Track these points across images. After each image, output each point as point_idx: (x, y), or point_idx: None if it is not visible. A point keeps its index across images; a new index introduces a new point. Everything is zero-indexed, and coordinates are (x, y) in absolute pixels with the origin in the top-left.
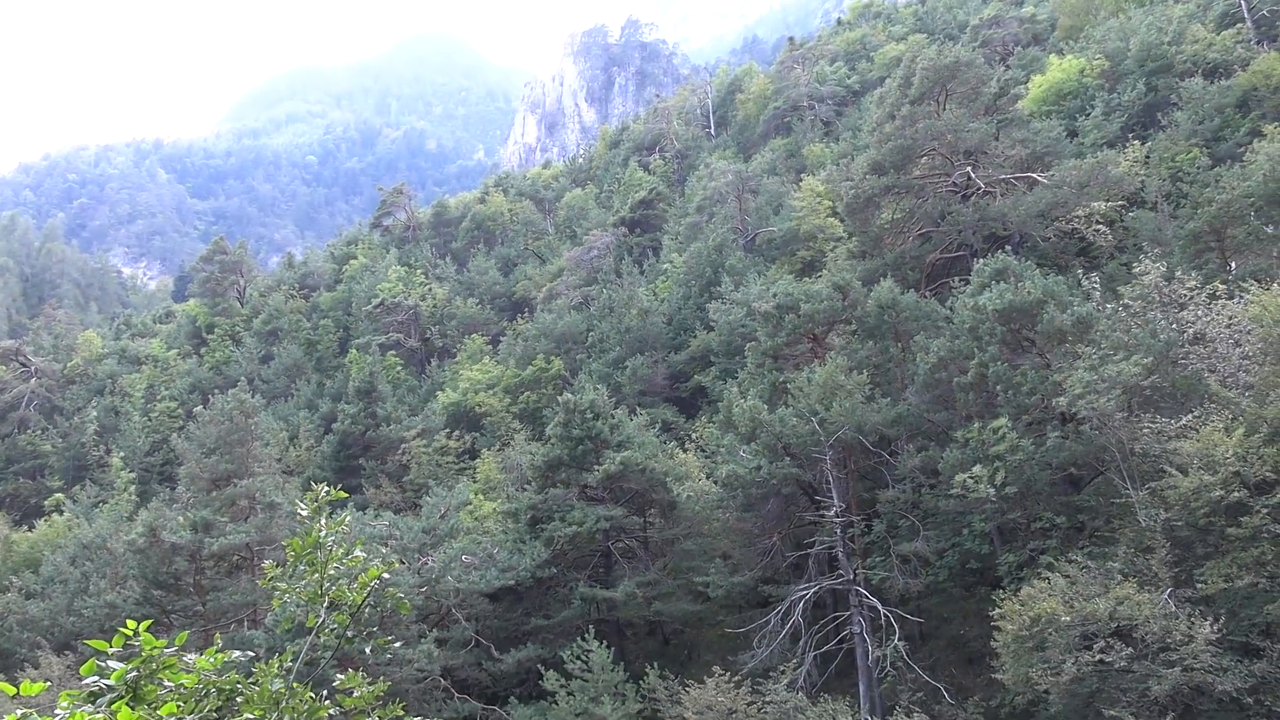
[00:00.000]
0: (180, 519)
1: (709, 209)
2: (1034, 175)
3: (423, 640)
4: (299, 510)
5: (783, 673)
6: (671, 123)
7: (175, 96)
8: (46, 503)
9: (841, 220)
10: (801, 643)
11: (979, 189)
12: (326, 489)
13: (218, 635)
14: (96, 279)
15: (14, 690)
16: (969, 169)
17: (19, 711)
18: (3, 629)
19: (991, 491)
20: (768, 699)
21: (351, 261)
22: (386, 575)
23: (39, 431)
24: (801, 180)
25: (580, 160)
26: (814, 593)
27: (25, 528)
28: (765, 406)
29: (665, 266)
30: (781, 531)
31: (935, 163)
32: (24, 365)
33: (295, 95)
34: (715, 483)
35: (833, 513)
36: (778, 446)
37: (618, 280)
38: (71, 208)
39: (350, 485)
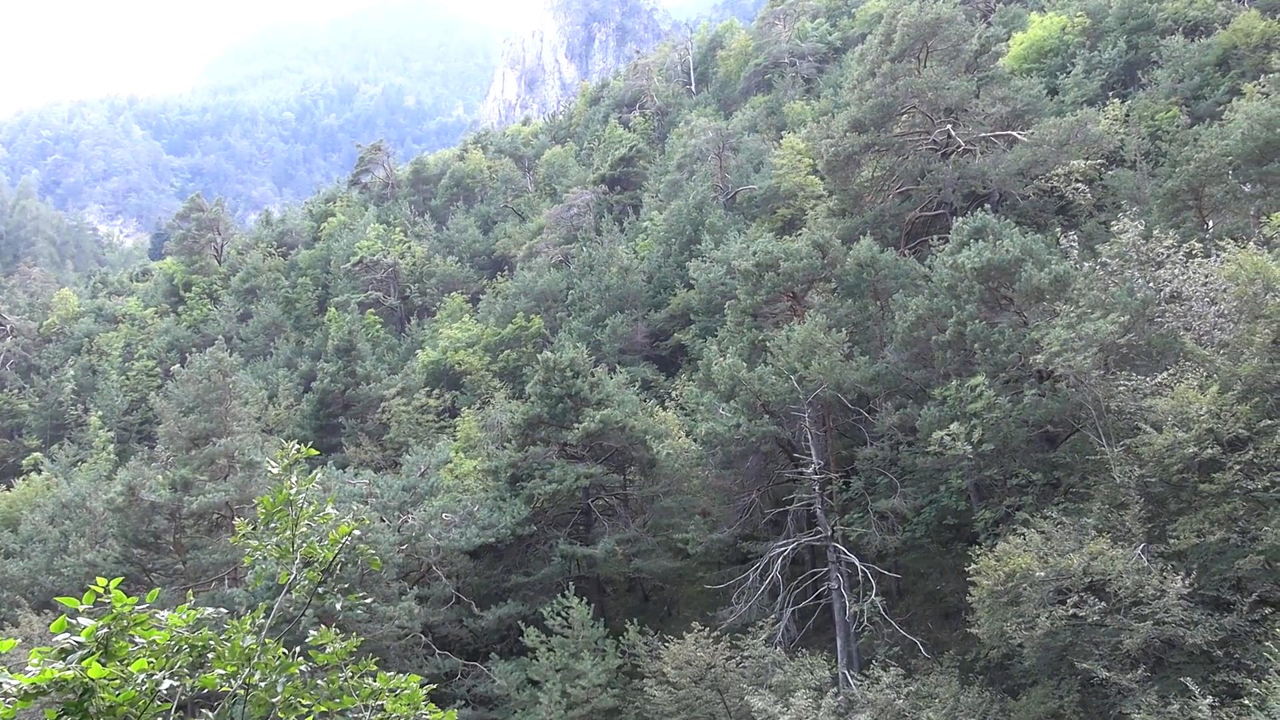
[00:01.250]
0: (159, 478)
1: (689, 166)
2: (1014, 133)
3: (403, 598)
4: (269, 467)
5: (761, 628)
6: (652, 79)
7: (150, 52)
8: (24, 462)
9: (821, 178)
10: (780, 598)
11: (959, 147)
12: (297, 446)
13: (190, 592)
14: (72, 236)
15: None
16: (949, 127)
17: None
18: None
19: (969, 449)
20: (746, 654)
21: (330, 219)
22: (357, 532)
23: (16, 390)
24: (782, 138)
25: (560, 117)
26: (792, 549)
27: (3, 487)
28: (745, 364)
29: (645, 224)
30: (760, 489)
31: (915, 120)
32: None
33: (272, 51)
34: (695, 440)
35: (811, 470)
36: (757, 404)
37: (598, 238)
38: (45, 164)
39: (330, 444)
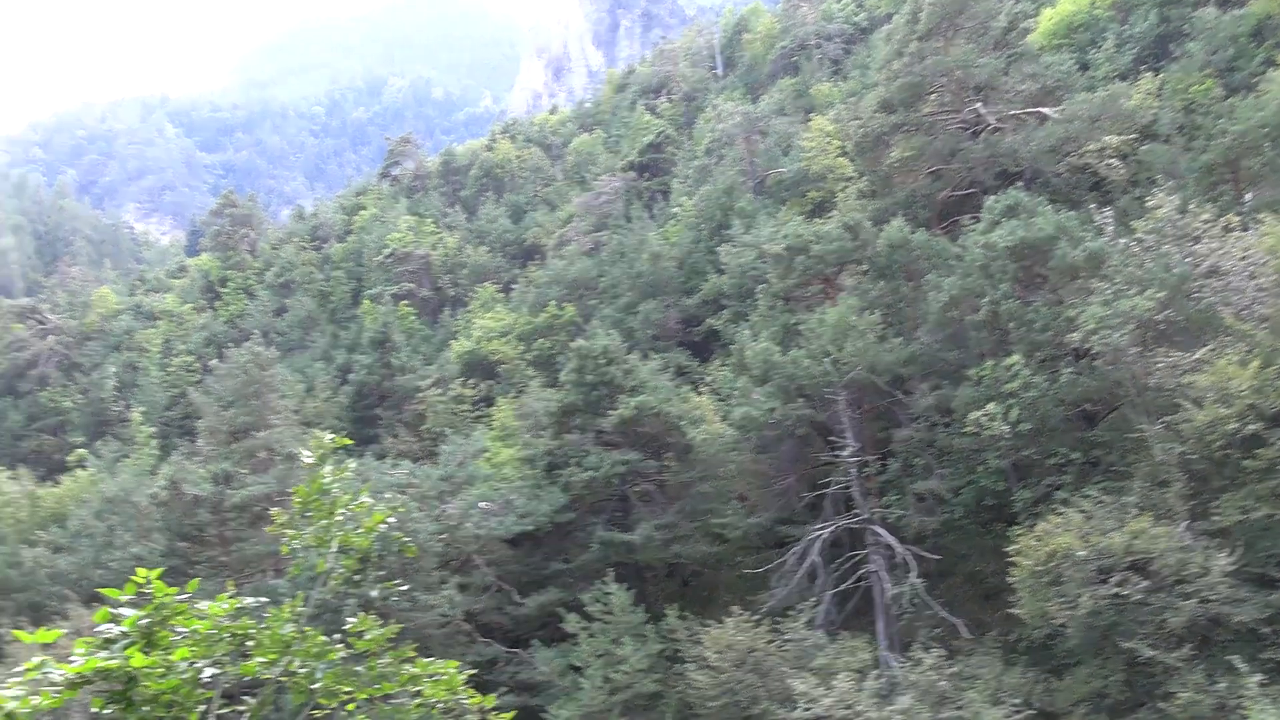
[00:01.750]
0: (201, 471)
1: (718, 151)
2: (1044, 110)
3: (444, 586)
4: (304, 458)
5: (801, 611)
6: (678, 65)
7: (182, 51)
8: (69, 458)
9: (851, 160)
10: (819, 582)
11: (989, 125)
12: (330, 436)
13: (230, 583)
14: (109, 235)
15: (30, 637)
16: (979, 105)
17: (37, 658)
18: (33, 582)
19: (1006, 429)
20: (786, 637)
21: (361, 212)
22: (391, 520)
23: (59, 388)
24: (810, 120)
25: (587, 105)
26: (830, 532)
27: (50, 483)
28: (778, 348)
29: (675, 210)
30: (797, 472)
31: (945, 99)
32: (41, 323)
33: (302, 47)
34: (730, 425)
35: (847, 453)
36: (791, 388)
37: (628, 225)
38: (81, 164)
39: (368, 435)
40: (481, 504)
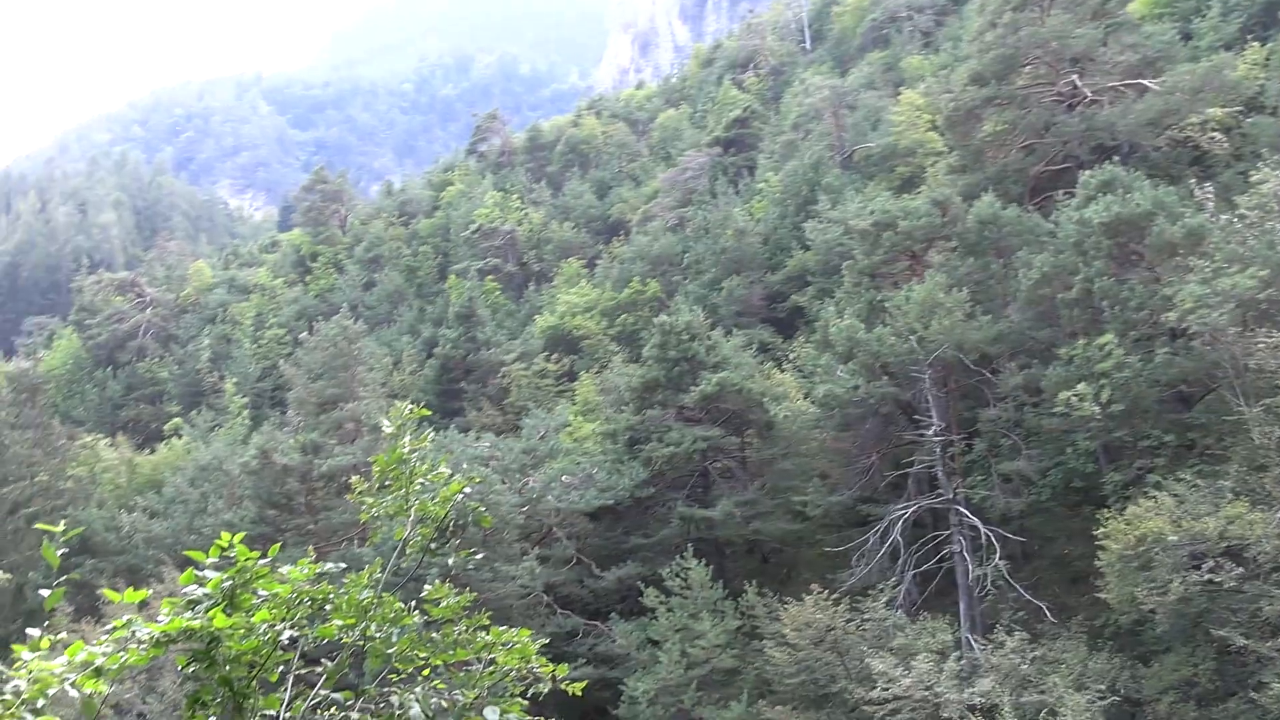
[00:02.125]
0: (290, 441)
1: (805, 126)
2: (1144, 82)
3: (525, 558)
4: (384, 428)
5: (881, 591)
6: (766, 39)
7: (275, 31)
8: (166, 427)
9: (941, 134)
10: (900, 561)
11: (1085, 98)
12: (410, 406)
13: (310, 549)
14: (205, 211)
15: (119, 597)
16: (1075, 77)
17: (125, 616)
18: (130, 546)
19: (1097, 409)
20: (866, 616)
21: (448, 188)
22: (468, 489)
23: (156, 359)
24: (900, 94)
25: (674, 80)
26: (913, 512)
27: (147, 451)
28: (862, 325)
29: (760, 186)
30: (880, 451)
31: (1039, 72)
32: (140, 296)
33: (391, 25)
34: (813, 403)
35: (932, 432)
36: (875, 366)
37: (712, 201)
38: (179, 142)
39: (452, 408)
40: (563, 478)
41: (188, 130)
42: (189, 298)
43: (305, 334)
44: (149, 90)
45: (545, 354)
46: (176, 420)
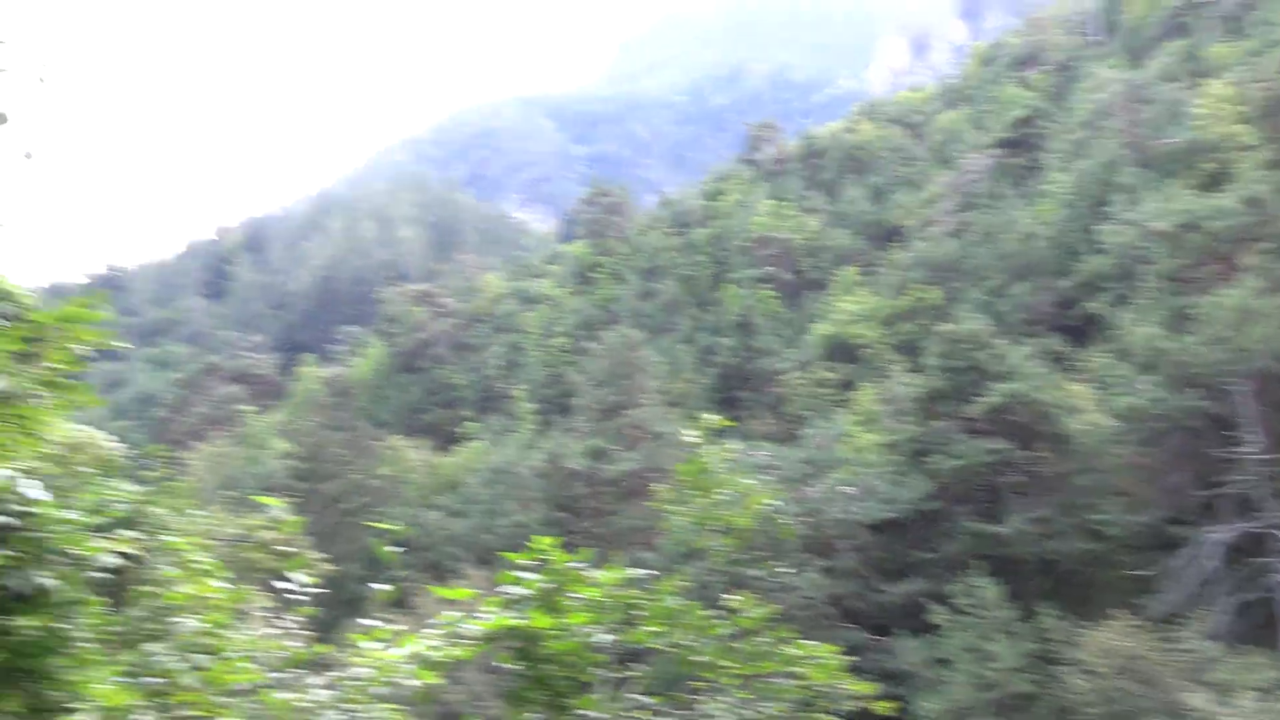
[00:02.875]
0: (577, 446)
1: (1095, 123)
2: None
3: (807, 568)
4: (686, 437)
5: (1194, 620)
6: (1050, 33)
7: (557, 51)
8: (461, 430)
9: (1252, 126)
10: (1213, 589)
11: None
12: (713, 417)
13: (617, 555)
14: (494, 225)
15: (446, 592)
16: None
17: (455, 612)
18: (433, 543)
19: None
20: (1179, 646)
21: (722, 198)
22: (776, 501)
23: (451, 367)
24: (1202, 84)
25: (952, 81)
26: (1231, 536)
27: (445, 453)
28: (1166, 334)
29: (1047, 187)
30: (1188, 469)
31: None
32: (437, 307)
33: (666, 40)
34: (1111, 415)
35: (1250, 449)
36: (1181, 377)
37: (995, 204)
38: (470, 160)
39: (729, 416)
40: (844, 488)
41: (478, 149)
42: (481, 308)
43: (589, 342)
44: (446, 114)
45: (823, 362)
46: (471, 424)
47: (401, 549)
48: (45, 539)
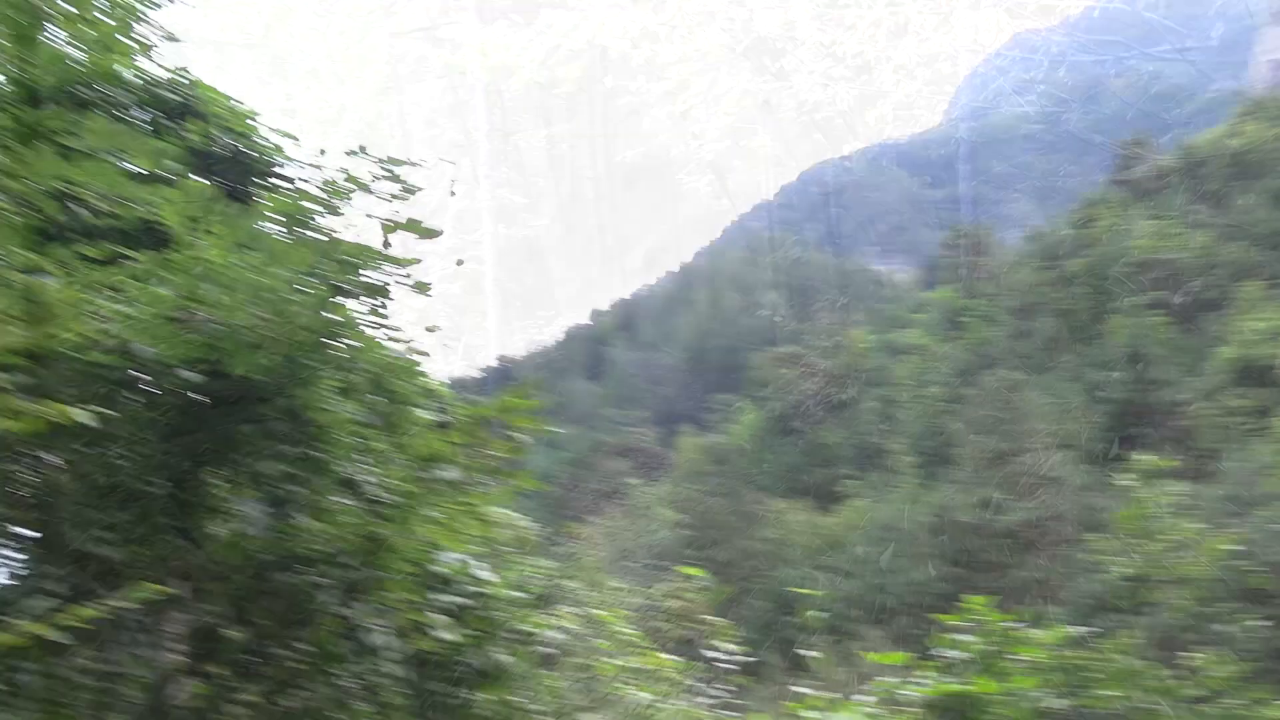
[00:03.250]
0: (964, 498)
1: None
2: None
3: (1241, 617)
4: (1122, 482)
5: None
6: None
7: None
8: (839, 488)
9: None
10: None
11: None
12: (1150, 457)
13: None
14: (852, 280)
15: (880, 658)
16: None
17: (892, 678)
18: (829, 605)
19: None
20: None
21: (1095, 224)
22: (1240, 547)
23: (824, 425)
24: None
25: None
26: None
27: (826, 513)
28: None
29: None
30: None
31: None
32: (804, 366)
33: (1009, 70)
34: None
35: None
36: None
37: None
38: (823, 219)
39: (1126, 454)
40: (1275, 526)
41: (829, 207)
42: (848, 364)
43: (966, 389)
44: (794, 175)
45: (1231, 389)
46: (850, 482)
47: (825, 613)
48: (497, 617)
